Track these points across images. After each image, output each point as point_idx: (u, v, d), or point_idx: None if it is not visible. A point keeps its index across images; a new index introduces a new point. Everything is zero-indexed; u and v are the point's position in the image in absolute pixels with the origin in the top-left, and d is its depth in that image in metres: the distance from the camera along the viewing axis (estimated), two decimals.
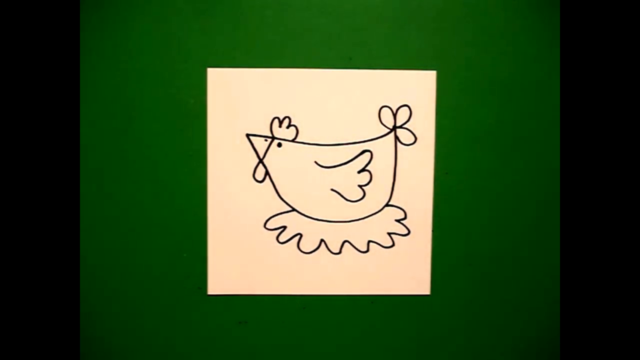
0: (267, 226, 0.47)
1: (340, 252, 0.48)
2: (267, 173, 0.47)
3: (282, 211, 0.47)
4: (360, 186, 0.47)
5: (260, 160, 0.47)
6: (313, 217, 0.47)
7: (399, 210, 0.47)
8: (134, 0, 0.46)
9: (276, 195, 0.47)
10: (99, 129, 0.46)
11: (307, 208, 0.47)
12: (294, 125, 0.47)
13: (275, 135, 0.47)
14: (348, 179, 0.47)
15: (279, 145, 0.47)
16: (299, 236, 0.47)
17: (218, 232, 0.47)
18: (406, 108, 0.47)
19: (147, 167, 0.47)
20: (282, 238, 0.47)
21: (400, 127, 0.47)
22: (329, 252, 0.48)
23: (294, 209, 0.47)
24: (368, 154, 0.47)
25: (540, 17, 0.46)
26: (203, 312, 0.48)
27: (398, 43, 0.46)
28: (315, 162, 0.47)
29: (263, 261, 0.47)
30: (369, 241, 0.48)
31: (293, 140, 0.47)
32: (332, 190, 0.47)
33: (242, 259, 0.47)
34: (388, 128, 0.47)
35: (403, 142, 0.47)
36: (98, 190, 0.47)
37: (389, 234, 0.48)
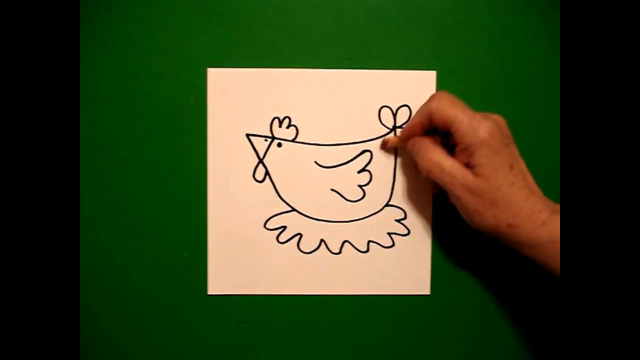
0: (267, 226, 0.47)
1: (340, 252, 0.48)
2: (267, 173, 0.47)
3: (282, 211, 0.47)
4: (360, 186, 0.47)
5: (260, 160, 0.47)
6: (313, 217, 0.47)
7: (399, 210, 0.47)
8: (134, 0, 0.46)
9: (276, 195, 0.47)
10: (99, 129, 0.46)
11: (307, 208, 0.47)
12: (294, 125, 0.47)
13: (275, 135, 0.47)
14: (348, 179, 0.47)
15: (279, 145, 0.47)
16: (299, 236, 0.47)
17: (218, 232, 0.47)
18: (406, 108, 0.47)
19: (147, 167, 0.47)
20: (282, 238, 0.47)
21: (400, 127, 0.47)
22: (329, 252, 0.48)
23: (294, 209, 0.47)
24: (368, 154, 0.47)
25: (540, 17, 0.46)
26: (203, 312, 0.48)
27: (398, 43, 0.46)
28: (315, 162, 0.47)
29: (263, 261, 0.47)
30: (369, 241, 0.48)
31: (293, 140, 0.47)
32: (332, 190, 0.47)
33: (242, 259, 0.47)
34: (388, 128, 0.47)
35: None
36: (98, 190, 0.47)
37: (389, 234, 0.48)
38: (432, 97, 0.41)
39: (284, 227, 0.47)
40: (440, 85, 0.46)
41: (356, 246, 0.48)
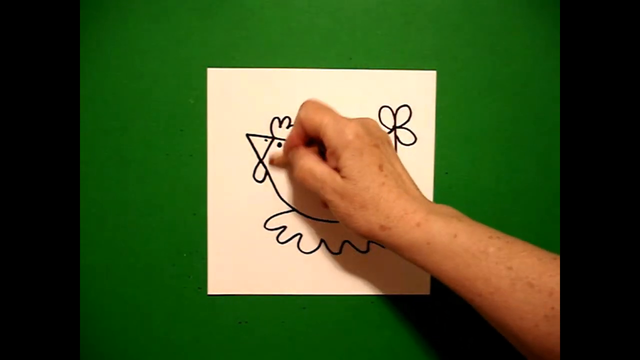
0: (267, 226, 0.47)
1: (340, 252, 0.48)
2: (267, 173, 0.47)
3: (282, 211, 0.47)
4: None
5: (260, 160, 0.47)
6: (313, 217, 0.47)
7: None
8: (134, 0, 0.46)
9: (276, 195, 0.47)
10: (99, 129, 0.46)
11: (307, 208, 0.47)
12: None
13: (275, 135, 0.47)
14: None
15: (279, 145, 0.47)
16: (299, 236, 0.47)
17: (218, 232, 0.47)
18: (406, 108, 0.47)
19: (147, 167, 0.47)
20: (282, 238, 0.47)
21: (400, 127, 0.47)
22: (329, 252, 0.48)
23: (294, 209, 0.47)
24: None
25: (540, 17, 0.46)
26: (203, 312, 0.48)
27: (398, 43, 0.46)
28: None
29: (263, 261, 0.47)
30: (369, 241, 0.48)
31: None
32: None
33: (242, 259, 0.47)
34: (388, 128, 0.47)
35: (403, 142, 0.47)
36: (98, 190, 0.47)
37: None
38: (300, 106, 0.41)
39: (284, 227, 0.47)
40: (441, 85, 0.46)
41: (356, 246, 0.48)
